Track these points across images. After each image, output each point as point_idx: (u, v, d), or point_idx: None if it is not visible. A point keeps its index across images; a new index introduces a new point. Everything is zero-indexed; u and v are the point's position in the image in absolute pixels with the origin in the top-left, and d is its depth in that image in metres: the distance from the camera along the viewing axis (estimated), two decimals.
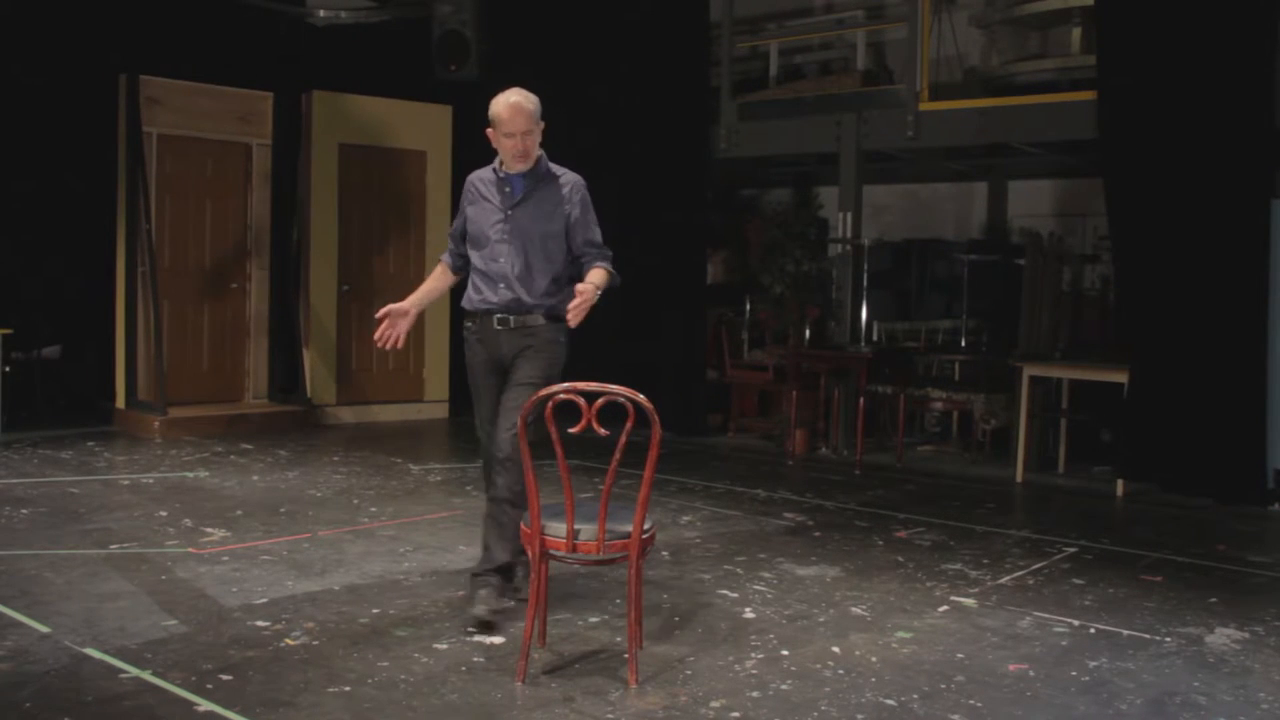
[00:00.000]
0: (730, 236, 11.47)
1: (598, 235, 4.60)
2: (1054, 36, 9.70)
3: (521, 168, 4.48)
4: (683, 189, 9.74)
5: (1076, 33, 9.11)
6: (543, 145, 4.57)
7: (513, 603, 4.47)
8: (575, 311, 4.20)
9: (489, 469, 4.56)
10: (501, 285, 4.47)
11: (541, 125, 4.49)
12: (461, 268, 4.74)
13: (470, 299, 4.56)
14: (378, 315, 4.51)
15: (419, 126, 10.26)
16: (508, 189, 4.51)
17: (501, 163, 4.54)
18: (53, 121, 9.17)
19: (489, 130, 4.50)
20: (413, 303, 4.58)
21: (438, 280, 4.80)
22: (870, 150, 9.29)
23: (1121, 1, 7.50)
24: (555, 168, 4.60)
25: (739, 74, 10.48)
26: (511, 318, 4.47)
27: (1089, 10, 8.24)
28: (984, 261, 10.35)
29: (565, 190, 4.54)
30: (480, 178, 4.63)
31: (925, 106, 8.90)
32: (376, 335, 4.50)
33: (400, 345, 4.53)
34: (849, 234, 9.16)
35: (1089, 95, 7.83)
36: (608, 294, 4.41)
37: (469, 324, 4.59)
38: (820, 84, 10.20)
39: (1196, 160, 7.13)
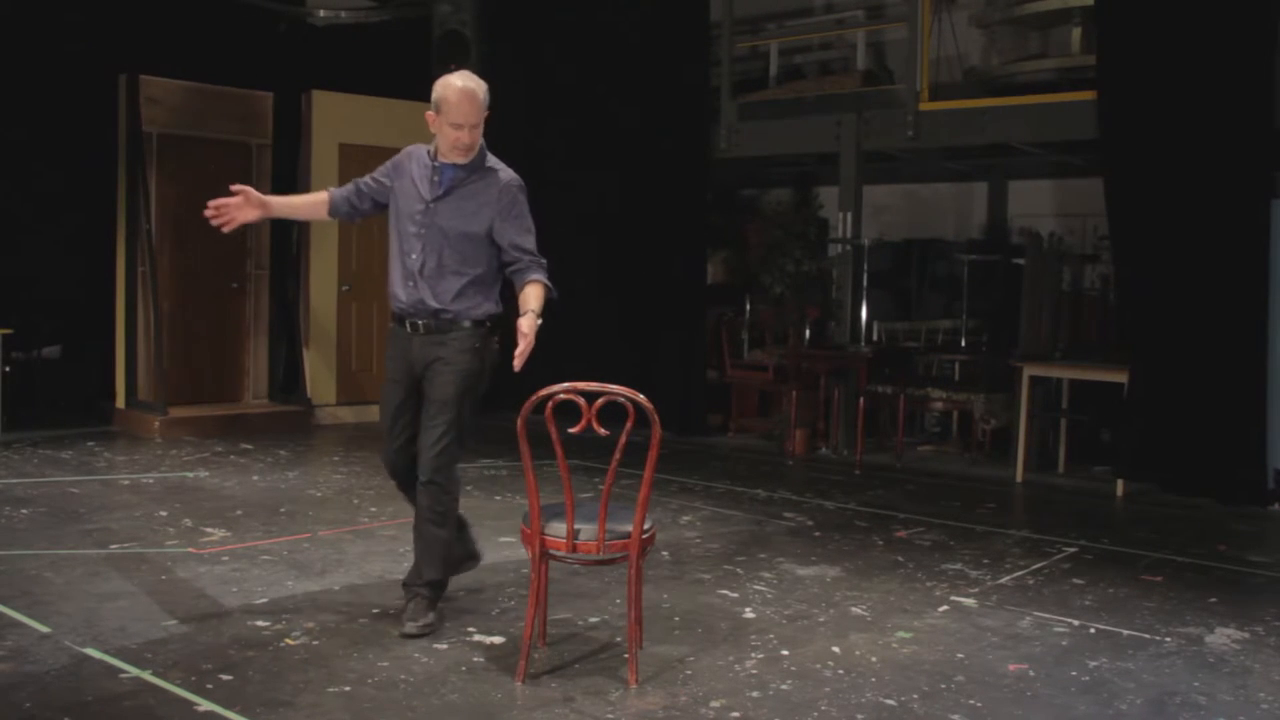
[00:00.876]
0: (730, 236, 11.47)
1: (529, 241, 4.21)
2: (1054, 36, 9.70)
3: (460, 160, 4.17)
4: (683, 189, 9.73)
5: (1076, 33, 9.11)
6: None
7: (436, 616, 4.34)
8: (520, 357, 3.80)
9: (395, 475, 4.39)
10: (410, 283, 4.18)
11: (486, 114, 4.16)
12: (344, 214, 4.41)
13: (389, 294, 4.30)
14: (234, 188, 4.12)
15: (419, 126, 10.19)
16: (436, 179, 4.20)
17: (437, 149, 4.23)
18: (53, 121, 9.17)
19: (430, 114, 4.17)
20: (273, 202, 4.26)
21: (310, 204, 4.43)
22: (870, 150, 9.28)
23: (1121, 1, 7.50)
24: (494, 161, 4.26)
25: (739, 74, 10.47)
26: (420, 321, 4.18)
27: (1089, 10, 8.24)
28: (984, 261, 10.34)
29: (495, 190, 4.19)
30: (416, 156, 4.30)
31: (925, 106, 8.90)
32: (213, 205, 4.09)
33: (228, 230, 4.17)
34: (849, 234, 9.16)
35: (1089, 95, 7.82)
36: (550, 306, 4.13)
37: (391, 322, 4.33)
38: (820, 84, 10.20)
39: (1196, 160, 7.12)
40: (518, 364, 3.82)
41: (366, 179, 4.40)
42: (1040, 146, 9.12)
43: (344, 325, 10.03)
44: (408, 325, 4.22)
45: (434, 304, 4.17)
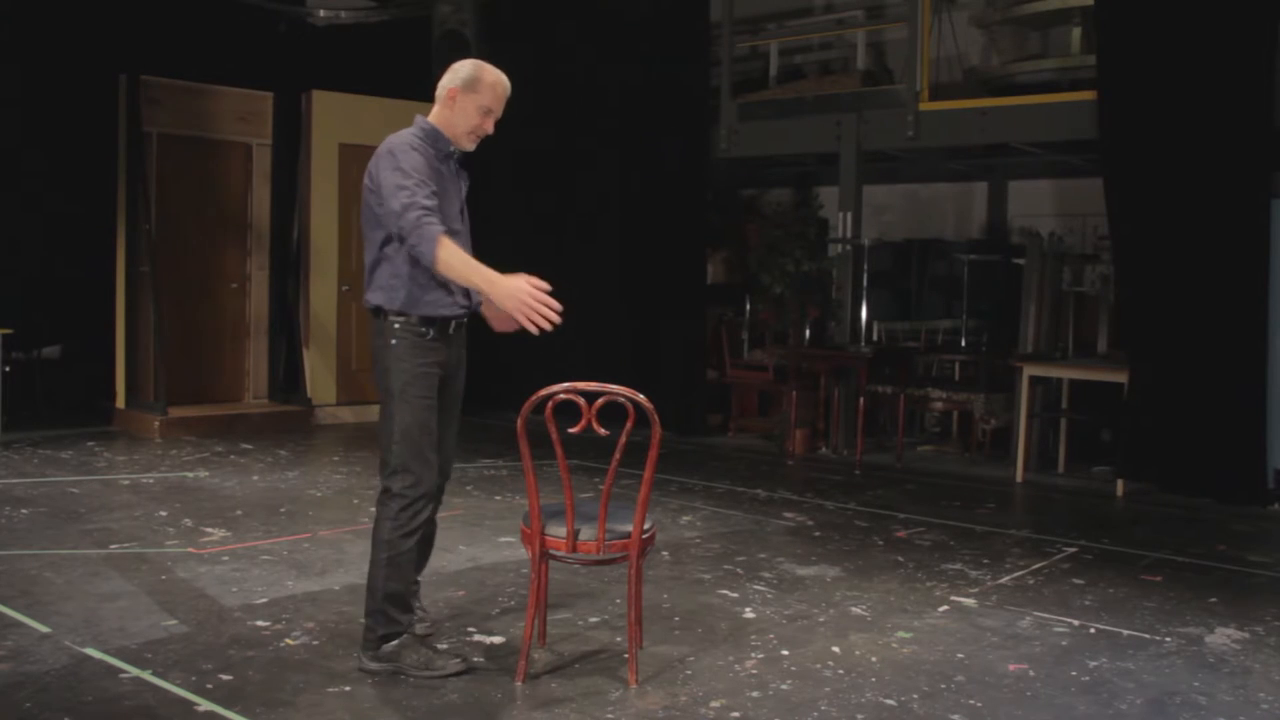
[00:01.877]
0: (730, 236, 11.46)
1: None
2: (1054, 36, 9.70)
3: (468, 148, 3.96)
4: (683, 189, 9.73)
5: (1076, 33, 9.11)
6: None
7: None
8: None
9: (428, 499, 3.91)
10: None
11: None
12: None
13: (437, 302, 3.84)
14: (546, 288, 3.54)
15: None
16: (454, 170, 3.98)
17: (447, 134, 3.90)
18: (53, 121, 9.17)
19: (454, 89, 3.84)
20: None
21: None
22: (870, 150, 9.29)
23: (1121, 1, 7.51)
24: None
25: (739, 74, 10.48)
26: (465, 321, 4.00)
27: (1089, 10, 8.24)
28: (984, 261, 10.35)
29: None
30: (422, 149, 3.82)
31: (925, 106, 8.90)
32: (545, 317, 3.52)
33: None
34: (849, 234, 9.16)
35: (1089, 95, 7.82)
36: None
37: (424, 329, 3.82)
38: (820, 84, 10.20)
39: (1196, 160, 7.12)
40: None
41: (430, 197, 3.73)
42: (1040, 146, 9.13)
43: (344, 325, 10.03)
44: (452, 326, 3.92)
45: (476, 299, 3.97)
